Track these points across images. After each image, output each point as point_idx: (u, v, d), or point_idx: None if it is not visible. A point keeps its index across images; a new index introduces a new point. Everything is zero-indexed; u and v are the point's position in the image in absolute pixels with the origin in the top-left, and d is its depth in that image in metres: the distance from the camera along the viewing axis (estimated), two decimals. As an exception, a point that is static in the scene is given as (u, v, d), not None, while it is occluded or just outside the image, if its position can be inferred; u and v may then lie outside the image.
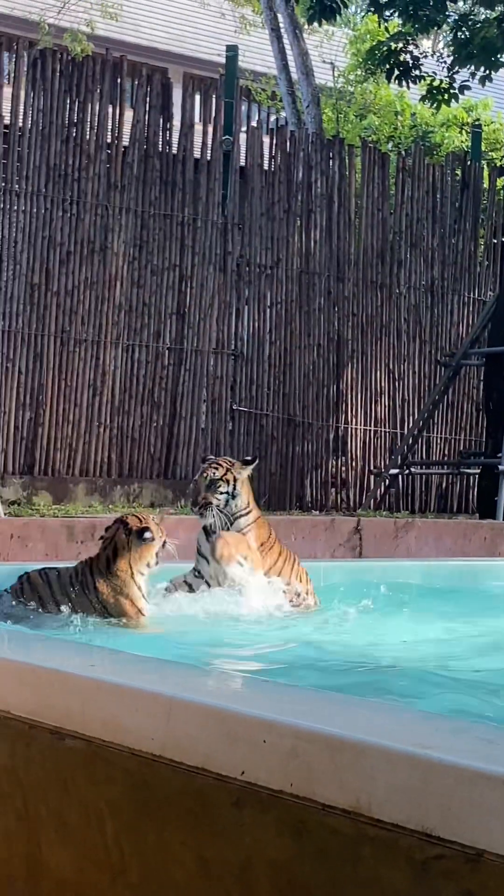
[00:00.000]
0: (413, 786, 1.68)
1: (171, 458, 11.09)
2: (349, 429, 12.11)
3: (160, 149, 11.04)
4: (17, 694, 2.34)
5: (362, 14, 21.41)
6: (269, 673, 4.00)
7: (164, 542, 4.94)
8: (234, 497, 5.28)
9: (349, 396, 12.12)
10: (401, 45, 15.21)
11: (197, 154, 11.32)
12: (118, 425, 10.76)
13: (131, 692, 2.15)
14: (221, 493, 5.24)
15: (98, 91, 10.69)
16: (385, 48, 15.38)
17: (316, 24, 15.38)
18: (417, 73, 15.29)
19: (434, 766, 1.68)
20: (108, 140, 10.78)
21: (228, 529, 5.29)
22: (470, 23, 14.86)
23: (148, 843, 2.03)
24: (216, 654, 4.59)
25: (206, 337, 11.24)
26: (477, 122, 16.66)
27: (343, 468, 12.11)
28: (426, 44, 17.25)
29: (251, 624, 5.15)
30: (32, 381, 10.31)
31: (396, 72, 15.17)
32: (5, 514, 7.89)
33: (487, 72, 14.73)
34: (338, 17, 14.92)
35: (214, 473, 5.29)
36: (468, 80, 15.04)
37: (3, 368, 10.16)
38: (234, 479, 5.28)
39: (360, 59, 20.41)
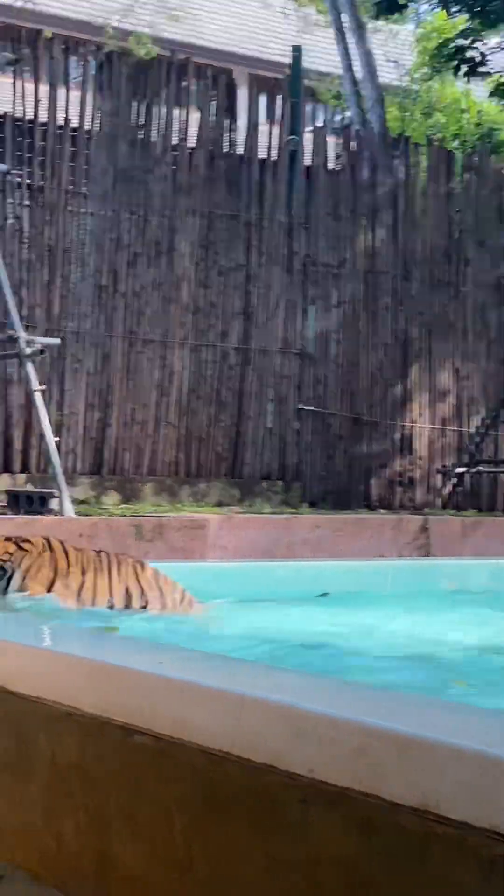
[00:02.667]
0: (482, 783, 1.68)
1: (238, 458, 11.11)
2: (415, 427, 12.06)
3: (226, 150, 11.07)
4: (86, 690, 2.36)
5: (429, 10, 21.29)
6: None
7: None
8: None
9: (415, 395, 12.06)
10: (468, 41, 15.10)
11: (262, 154, 11.34)
12: (185, 425, 10.81)
13: (199, 689, 2.16)
14: None
15: (164, 93, 10.74)
16: (452, 45, 15.28)
17: (380, 22, 15.32)
18: (485, 69, 15.17)
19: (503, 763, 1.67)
20: (175, 142, 10.83)
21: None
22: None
23: (216, 839, 2.04)
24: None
25: (273, 337, 11.26)
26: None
27: (409, 467, 12.06)
28: (494, 40, 17.10)
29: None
30: (101, 382, 10.38)
31: (464, 69, 15.06)
32: (74, 514, 7.96)
33: None
34: (403, 12, 14.85)
35: None
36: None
37: (72, 370, 10.24)
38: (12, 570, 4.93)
39: (426, 57, 20.31)
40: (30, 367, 8.48)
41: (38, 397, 8.46)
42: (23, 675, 2.53)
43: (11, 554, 5.02)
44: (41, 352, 8.67)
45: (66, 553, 5.17)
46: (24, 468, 9.98)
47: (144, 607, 5.23)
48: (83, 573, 5.14)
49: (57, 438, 8.97)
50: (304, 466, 11.44)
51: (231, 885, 1.99)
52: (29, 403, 9.61)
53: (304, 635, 5.07)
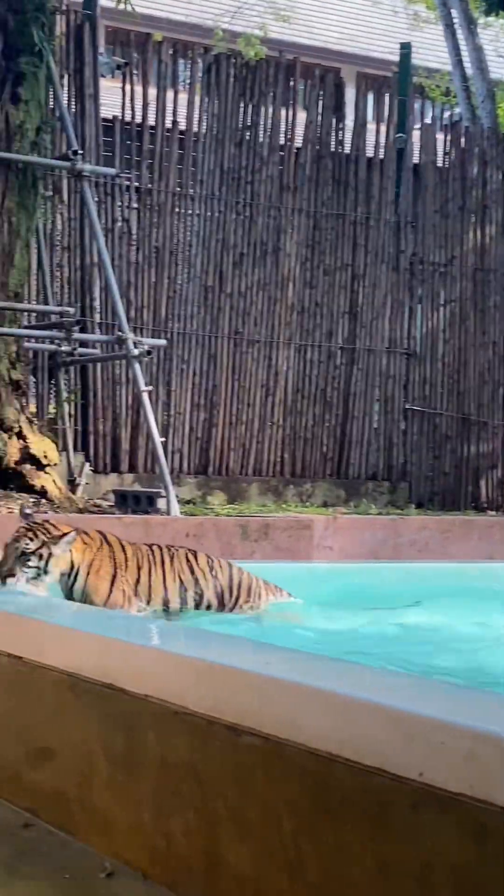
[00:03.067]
0: None
1: (344, 458, 11.08)
2: (525, 428, 11.90)
3: (333, 149, 11.05)
4: (194, 690, 2.37)
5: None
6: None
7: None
8: (45, 573, 4.74)
9: (525, 395, 11.92)
10: None
11: (370, 153, 11.29)
12: (291, 425, 10.81)
13: (308, 691, 2.15)
14: (30, 568, 4.72)
15: (271, 94, 10.76)
16: None
17: (491, 17, 15.16)
18: None
19: None
20: (281, 142, 10.84)
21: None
22: None
23: (326, 842, 2.03)
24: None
25: (379, 336, 11.20)
26: None
27: (519, 468, 11.90)
28: None
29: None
30: (207, 383, 10.44)
31: None
32: (180, 513, 8.01)
33: None
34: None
35: (27, 545, 4.75)
36: None
37: (178, 370, 10.31)
38: (49, 555, 4.76)
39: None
40: (137, 368, 8.55)
41: (145, 398, 8.54)
42: (132, 674, 2.55)
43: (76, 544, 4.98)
44: (148, 353, 8.74)
45: (123, 547, 5.12)
46: (132, 468, 10.07)
47: (199, 602, 5.18)
48: (138, 568, 5.09)
49: (163, 438, 9.03)
50: (410, 467, 11.36)
51: (343, 889, 1.98)
52: (136, 404, 9.70)
53: (382, 640, 5.00)
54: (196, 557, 5.28)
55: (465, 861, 1.79)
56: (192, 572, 5.20)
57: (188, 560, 5.24)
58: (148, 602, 5.07)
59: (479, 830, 1.78)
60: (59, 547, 4.78)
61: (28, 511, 5.11)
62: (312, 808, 2.07)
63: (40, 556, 4.73)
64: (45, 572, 4.74)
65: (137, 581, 5.07)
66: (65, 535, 4.81)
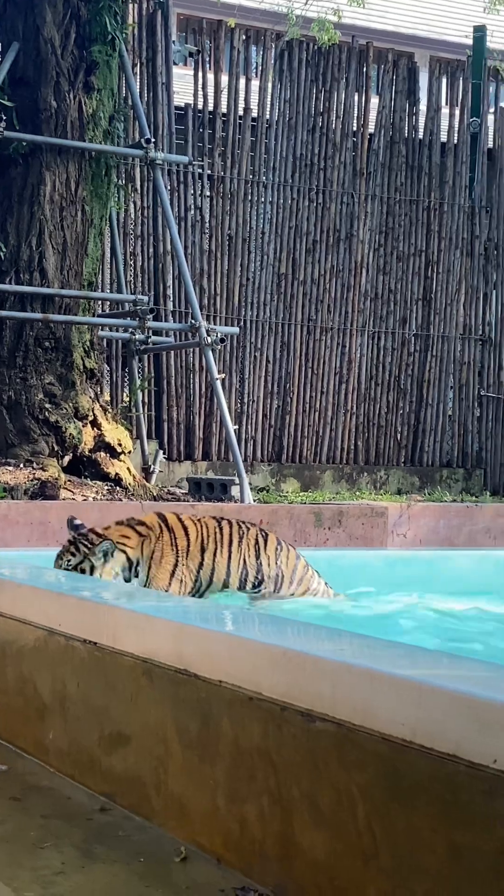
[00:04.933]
0: None
1: (418, 445, 11.03)
2: None
3: (406, 134, 10.98)
4: (269, 676, 2.37)
5: None
6: None
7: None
8: None
9: None
10: None
11: (443, 138, 11.20)
12: (364, 412, 10.78)
13: (382, 677, 2.15)
14: None
15: (344, 79, 10.71)
16: None
17: None
18: None
19: None
20: (354, 128, 10.80)
21: None
22: None
23: (399, 828, 2.03)
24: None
25: (453, 322, 11.13)
26: None
27: None
28: None
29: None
30: (280, 370, 10.44)
31: None
32: (253, 501, 8.02)
33: None
34: None
35: (70, 561, 4.76)
36: None
37: (252, 358, 10.33)
38: (91, 568, 4.75)
39: None
40: (210, 356, 8.58)
41: (218, 385, 8.56)
42: (207, 659, 2.56)
43: (129, 538, 4.93)
44: (221, 341, 8.76)
45: (185, 529, 5.06)
46: (206, 456, 10.11)
47: (258, 587, 5.13)
48: (202, 551, 5.04)
49: (235, 426, 9.06)
50: (485, 454, 11.28)
51: (415, 874, 1.98)
52: (210, 392, 9.74)
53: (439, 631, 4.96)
54: (266, 541, 5.24)
55: (540, 849, 1.79)
56: (258, 556, 5.17)
57: (257, 543, 5.21)
58: (210, 584, 5.05)
59: None
60: (96, 558, 4.77)
61: (77, 522, 5.08)
62: (386, 794, 2.07)
63: (82, 571, 4.73)
64: None
65: (200, 565, 5.04)
66: (100, 544, 4.78)
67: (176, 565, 4.97)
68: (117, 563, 4.83)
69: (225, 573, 5.08)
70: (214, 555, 5.07)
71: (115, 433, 8.28)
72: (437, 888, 1.94)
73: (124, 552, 4.85)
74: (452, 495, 10.41)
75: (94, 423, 8.17)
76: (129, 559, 4.86)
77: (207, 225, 10.25)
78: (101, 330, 8.94)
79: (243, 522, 5.35)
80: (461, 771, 1.91)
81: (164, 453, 9.61)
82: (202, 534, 5.09)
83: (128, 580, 4.83)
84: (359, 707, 2.14)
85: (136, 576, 4.86)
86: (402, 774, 2.03)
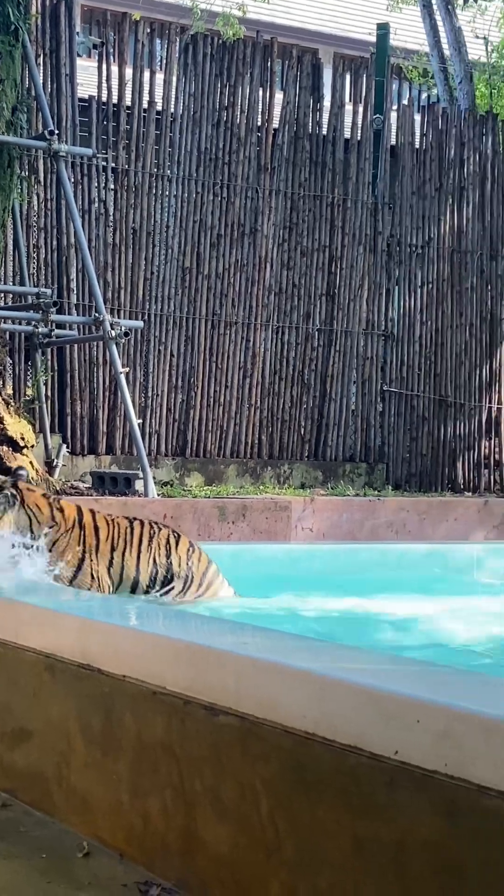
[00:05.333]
0: None
1: (321, 440, 11.09)
2: (503, 409, 11.94)
3: (310, 130, 11.03)
4: (172, 670, 2.37)
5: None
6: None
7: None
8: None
9: (503, 376, 11.95)
10: None
11: (347, 134, 11.27)
12: (268, 407, 10.81)
13: (284, 670, 2.16)
14: None
15: (248, 74, 10.72)
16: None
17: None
18: None
19: None
20: (258, 123, 10.81)
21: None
22: None
23: (303, 821, 2.04)
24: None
25: (357, 318, 11.21)
26: None
27: (497, 449, 11.95)
28: None
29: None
30: (184, 364, 10.42)
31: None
32: (158, 495, 8.00)
33: None
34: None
35: None
36: None
37: (156, 352, 10.30)
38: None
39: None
40: (114, 350, 8.53)
41: (122, 379, 8.52)
42: (111, 654, 2.56)
43: (42, 512, 4.96)
44: (125, 334, 8.72)
45: (97, 528, 5.10)
46: (109, 450, 10.05)
47: (168, 588, 5.15)
48: (112, 550, 5.08)
49: (139, 420, 9.02)
50: (387, 448, 11.38)
51: (318, 866, 1.99)
52: (114, 386, 9.69)
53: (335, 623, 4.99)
54: (178, 542, 5.26)
55: (438, 838, 1.81)
56: (168, 556, 5.19)
57: (168, 543, 5.23)
58: (119, 584, 5.06)
59: (453, 808, 1.80)
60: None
61: (22, 472, 5.13)
62: (289, 787, 2.08)
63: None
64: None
65: (110, 563, 5.05)
66: (7, 492, 4.86)
67: (82, 560, 4.95)
68: (16, 523, 4.86)
69: (135, 571, 5.08)
70: (124, 553, 5.07)
71: (17, 427, 8.19)
72: (340, 880, 1.96)
73: (30, 518, 4.86)
74: (355, 489, 10.49)
75: (-4, 417, 8.06)
76: (31, 529, 4.88)
77: (111, 218, 10.18)
78: (4, 323, 8.83)
79: (156, 523, 5.37)
80: (363, 763, 1.93)
81: (67, 447, 9.53)
82: (112, 534, 5.09)
83: (20, 546, 4.79)
84: (262, 700, 2.15)
85: (38, 550, 4.83)
86: (306, 767, 2.04)
